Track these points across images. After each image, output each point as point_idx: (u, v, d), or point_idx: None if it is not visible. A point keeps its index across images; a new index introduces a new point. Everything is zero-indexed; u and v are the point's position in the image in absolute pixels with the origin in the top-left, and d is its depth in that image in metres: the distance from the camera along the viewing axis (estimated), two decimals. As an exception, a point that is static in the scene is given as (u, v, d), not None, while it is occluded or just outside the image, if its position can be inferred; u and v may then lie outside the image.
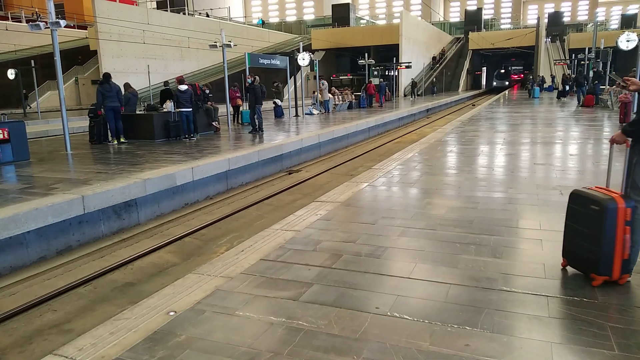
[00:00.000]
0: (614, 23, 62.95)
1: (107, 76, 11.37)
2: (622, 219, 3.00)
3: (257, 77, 13.90)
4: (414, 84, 36.96)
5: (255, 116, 13.28)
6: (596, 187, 3.26)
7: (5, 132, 8.83)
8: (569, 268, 3.41)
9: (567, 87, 27.64)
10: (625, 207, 2.99)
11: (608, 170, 3.41)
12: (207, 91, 14.04)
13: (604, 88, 22.11)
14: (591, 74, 23.52)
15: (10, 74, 24.06)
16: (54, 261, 5.71)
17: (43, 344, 3.91)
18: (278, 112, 19.32)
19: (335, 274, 3.45)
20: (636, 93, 12.39)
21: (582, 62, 31.55)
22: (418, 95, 38.73)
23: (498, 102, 27.18)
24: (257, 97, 13.51)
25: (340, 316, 2.82)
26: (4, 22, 36.42)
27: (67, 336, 3.92)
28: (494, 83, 59.67)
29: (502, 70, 61.03)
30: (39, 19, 10.57)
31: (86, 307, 4.56)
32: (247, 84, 14.27)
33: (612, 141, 3.25)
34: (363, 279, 3.34)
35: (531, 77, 37.57)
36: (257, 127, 13.27)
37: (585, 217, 3.16)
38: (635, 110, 11.96)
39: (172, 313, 2.92)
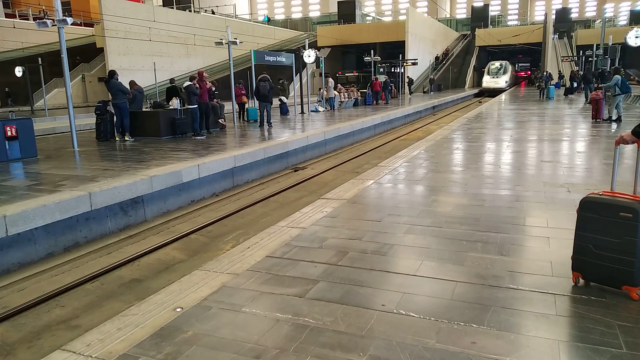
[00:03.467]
0: (623, 19, 62.33)
1: (109, 74, 11.44)
2: None
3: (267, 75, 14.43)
4: (410, 82, 36.85)
5: (266, 114, 14.15)
6: (607, 192, 3.09)
7: (13, 130, 8.90)
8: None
9: (575, 84, 27.39)
10: None
11: (613, 172, 3.36)
12: (213, 88, 14.09)
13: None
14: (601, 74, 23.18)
15: (18, 71, 24.21)
16: (62, 257, 5.75)
17: (51, 340, 3.94)
18: (283, 110, 19.33)
19: (341, 271, 3.45)
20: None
21: (590, 59, 31.18)
22: (424, 92, 38.58)
23: (504, 100, 27.02)
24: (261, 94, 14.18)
25: (347, 313, 2.82)
26: (12, 19, 36.67)
27: (75, 332, 3.95)
28: (484, 83, 40.29)
29: (498, 64, 40.83)
30: (46, 17, 10.61)
31: (94, 303, 4.59)
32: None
33: (619, 142, 3.19)
34: (369, 276, 3.34)
35: (545, 72, 30.16)
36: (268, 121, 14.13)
37: (614, 225, 2.91)
38: None
39: (178, 309, 2.94)
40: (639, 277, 2.87)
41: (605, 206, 2.96)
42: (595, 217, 3.00)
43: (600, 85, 15.06)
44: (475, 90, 40.17)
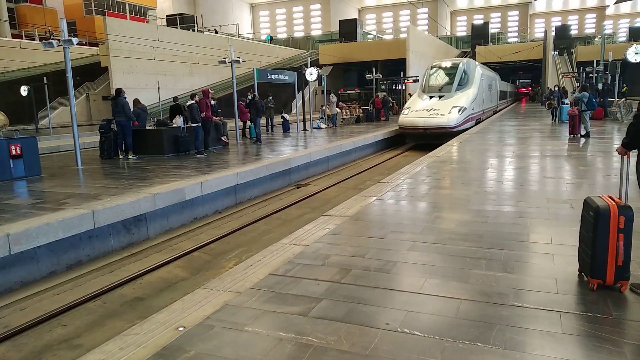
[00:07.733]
0: (622, 35, 62.85)
1: (116, 91, 11.58)
2: (614, 226, 3.12)
3: (257, 94, 15.85)
4: None
5: (256, 128, 15.14)
6: (606, 195, 3.38)
7: (18, 148, 8.96)
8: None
9: (567, 101, 27.31)
10: (619, 215, 3.11)
11: (620, 180, 3.65)
12: (214, 102, 14.25)
13: (612, 101, 22.00)
14: (600, 86, 23.31)
15: (23, 90, 24.47)
16: (64, 276, 5.74)
17: (52, 360, 3.91)
18: (285, 127, 19.46)
19: (345, 289, 3.42)
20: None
21: (590, 75, 31.28)
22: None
23: (506, 116, 27.10)
24: (258, 110, 15.38)
25: (350, 332, 2.80)
26: (18, 40, 37.21)
27: (77, 351, 3.92)
28: (403, 115, 17.76)
29: (447, 66, 19.99)
30: (52, 37, 10.77)
31: (95, 322, 4.56)
32: (247, 100, 16.45)
33: (619, 152, 3.64)
34: (373, 294, 3.31)
35: (556, 88, 23.29)
36: (257, 137, 15.01)
37: (587, 222, 3.33)
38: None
39: (181, 328, 2.92)
40: (596, 270, 3.19)
41: (587, 205, 3.37)
42: (584, 214, 3.44)
43: (572, 99, 15.44)
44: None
